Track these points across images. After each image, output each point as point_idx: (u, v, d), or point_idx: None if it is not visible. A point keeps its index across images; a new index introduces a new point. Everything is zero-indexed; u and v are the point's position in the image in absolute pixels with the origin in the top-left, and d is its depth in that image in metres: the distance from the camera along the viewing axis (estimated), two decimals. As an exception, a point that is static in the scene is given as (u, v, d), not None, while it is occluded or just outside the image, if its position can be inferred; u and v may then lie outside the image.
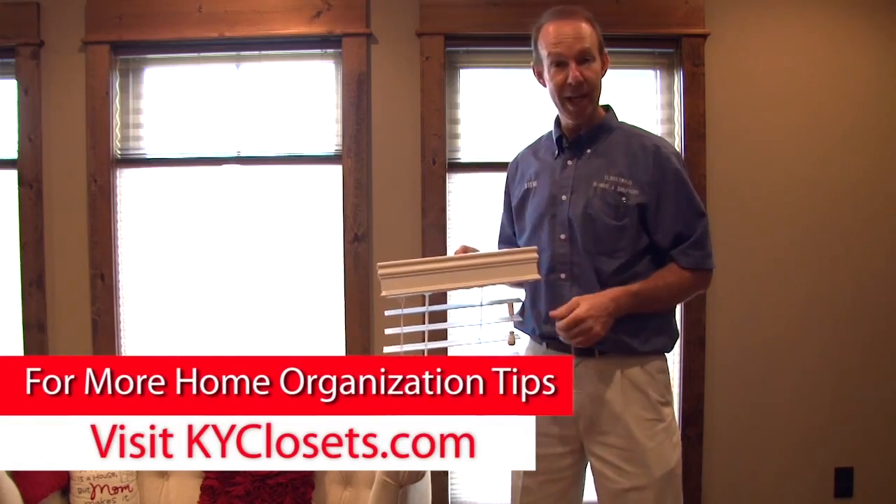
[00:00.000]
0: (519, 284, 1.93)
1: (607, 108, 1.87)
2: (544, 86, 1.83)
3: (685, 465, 2.79)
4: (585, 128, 1.82)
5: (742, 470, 2.87)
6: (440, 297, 1.95)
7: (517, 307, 1.85)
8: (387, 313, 1.80)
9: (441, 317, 2.03)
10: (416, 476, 2.09)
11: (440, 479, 2.82)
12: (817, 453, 2.86)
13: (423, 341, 1.78)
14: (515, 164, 2.01)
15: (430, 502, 2.46)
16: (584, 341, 1.67)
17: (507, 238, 2.04)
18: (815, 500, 2.87)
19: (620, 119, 1.87)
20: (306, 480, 2.49)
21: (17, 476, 2.29)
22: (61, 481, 2.44)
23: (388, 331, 1.79)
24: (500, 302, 1.82)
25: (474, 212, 2.87)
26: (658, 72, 2.89)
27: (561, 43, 1.73)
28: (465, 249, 1.83)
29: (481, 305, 1.81)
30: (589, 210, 1.76)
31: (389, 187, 2.84)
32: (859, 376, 2.85)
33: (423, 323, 1.77)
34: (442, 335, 1.95)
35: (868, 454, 2.86)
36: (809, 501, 2.87)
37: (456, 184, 2.87)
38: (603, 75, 1.80)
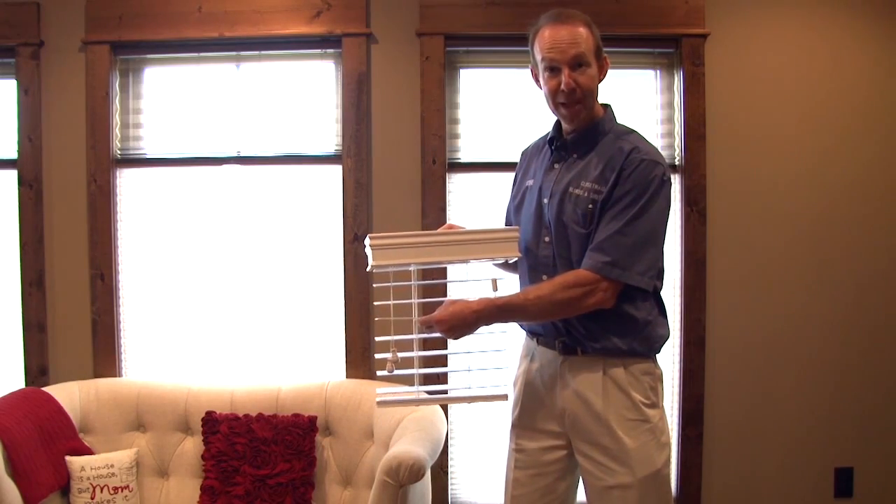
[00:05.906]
0: (505, 266, 1.98)
1: (606, 106, 1.83)
2: (541, 88, 1.82)
3: (685, 465, 2.82)
4: (576, 130, 1.80)
5: (742, 470, 2.87)
6: (428, 273, 1.99)
7: (500, 284, 1.88)
8: (375, 285, 1.84)
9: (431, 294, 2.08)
10: (416, 476, 2.09)
11: (440, 479, 2.82)
12: (817, 453, 2.86)
13: (413, 315, 1.82)
14: (526, 155, 2.01)
15: (430, 502, 2.46)
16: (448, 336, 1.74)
17: (510, 223, 2.04)
18: (815, 500, 2.87)
19: (619, 120, 1.83)
20: (306, 480, 2.49)
21: (17, 476, 2.27)
22: (61, 481, 2.43)
23: (377, 302, 1.83)
24: (484, 279, 1.88)
25: (474, 212, 2.86)
26: (658, 72, 2.89)
27: (554, 48, 1.70)
28: (451, 227, 1.90)
29: (466, 281, 1.90)
30: (563, 216, 1.76)
31: (389, 187, 2.84)
32: (859, 376, 2.85)
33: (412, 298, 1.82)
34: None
35: (868, 454, 2.86)
36: (809, 501, 2.87)
37: (456, 184, 2.87)
38: (602, 79, 1.78)
